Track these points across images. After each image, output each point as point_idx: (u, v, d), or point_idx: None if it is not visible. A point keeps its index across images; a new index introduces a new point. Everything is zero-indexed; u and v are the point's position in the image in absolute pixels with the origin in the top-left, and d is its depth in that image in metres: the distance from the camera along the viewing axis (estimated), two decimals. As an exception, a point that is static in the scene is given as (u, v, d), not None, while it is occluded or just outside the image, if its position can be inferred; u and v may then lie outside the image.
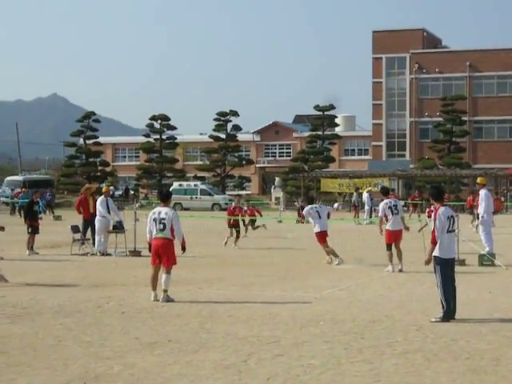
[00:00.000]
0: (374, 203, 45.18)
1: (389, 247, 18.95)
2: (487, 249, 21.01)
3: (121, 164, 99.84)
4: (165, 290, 14.04)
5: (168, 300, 13.98)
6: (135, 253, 23.10)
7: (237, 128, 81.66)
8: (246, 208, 30.83)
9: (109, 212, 23.86)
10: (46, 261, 21.86)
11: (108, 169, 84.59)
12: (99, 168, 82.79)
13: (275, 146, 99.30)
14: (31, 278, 17.85)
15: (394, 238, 18.99)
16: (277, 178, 76.15)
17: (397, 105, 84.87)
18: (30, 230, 24.21)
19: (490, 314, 12.92)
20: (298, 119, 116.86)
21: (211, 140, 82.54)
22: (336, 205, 54.59)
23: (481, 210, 21.68)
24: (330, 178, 66.60)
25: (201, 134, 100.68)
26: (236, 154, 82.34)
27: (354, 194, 52.35)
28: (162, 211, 14.27)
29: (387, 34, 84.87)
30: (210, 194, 65.32)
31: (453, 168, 68.34)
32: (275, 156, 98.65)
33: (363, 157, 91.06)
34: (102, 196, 24.19)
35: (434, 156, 73.98)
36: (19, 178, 72.66)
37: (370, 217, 43.85)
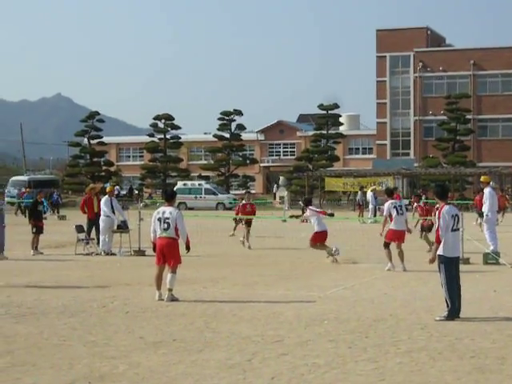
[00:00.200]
0: (378, 202, 45.18)
1: (387, 246, 18.90)
2: (492, 247, 20.98)
3: (125, 164, 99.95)
4: (170, 289, 14.06)
5: (173, 299, 14.00)
6: (140, 252, 23.12)
7: (241, 127, 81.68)
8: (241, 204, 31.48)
9: (113, 212, 23.87)
10: (51, 261, 21.88)
11: (112, 168, 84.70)
12: (103, 168, 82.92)
13: (279, 145, 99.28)
14: (36, 277, 17.86)
15: (395, 238, 18.96)
16: (281, 177, 76.18)
17: (401, 103, 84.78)
18: (34, 230, 24.22)
19: (494, 312, 12.90)
20: (303, 118, 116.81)
21: (215, 139, 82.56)
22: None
23: (485, 208, 21.65)
24: (334, 177, 66.59)
25: (205, 133, 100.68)
26: (240, 154, 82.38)
27: (359, 192, 52.31)
28: (167, 211, 14.27)
29: (391, 32, 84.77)
30: (214, 194, 65.32)
31: (457, 166, 68.29)
32: (279, 155, 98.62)
33: (367, 155, 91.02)
34: (107, 196, 24.21)
35: (439, 154, 73.91)
36: (24, 177, 72.81)
37: (375, 215, 43.83)
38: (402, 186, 69.24)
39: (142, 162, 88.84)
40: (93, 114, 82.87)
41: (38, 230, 24.28)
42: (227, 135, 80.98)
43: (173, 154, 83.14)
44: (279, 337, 10.91)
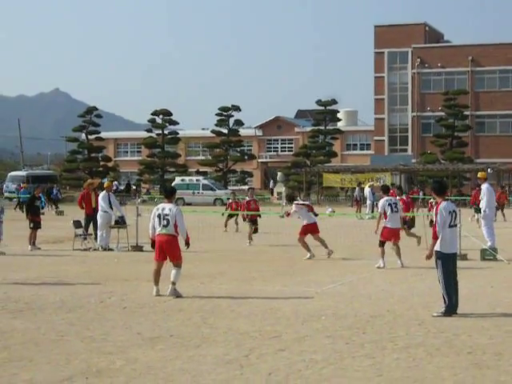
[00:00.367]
0: (375, 198, 45.16)
1: (382, 244, 18.77)
2: (489, 243, 20.99)
3: (123, 159, 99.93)
4: (173, 282, 14.02)
5: (176, 294, 13.93)
6: (137, 248, 23.10)
7: (239, 123, 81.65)
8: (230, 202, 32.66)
9: (111, 207, 23.86)
10: (48, 256, 21.87)
11: (110, 164, 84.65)
12: (101, 163, 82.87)
13: (277, 140, 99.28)
14: (33, 273, 17.85)
15: (391, 237, 18.86)
16: (279, 173, 76.14)
17: (399, 99, 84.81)
18: (31, 226, 24.19)
19: (492, 308, 12.91)
20: (301, 114, 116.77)
21: (213, 135, 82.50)
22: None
23: (483, 204, 21.65)
24: (332, 173, 66.60)
25: (203, 128, 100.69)
26: (238, 149, 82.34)
27: (356, 188, 52.31)
28: (166, 207, 14.24)
29: (389, 28, 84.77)
30: (212, 189, 65.30)
31: (455, 162, 68.31)
32: (277, 151, 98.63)
33: (365, 151, 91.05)
34: (104, 191, 24.19)
35: (436, 151, 73.95)
36: (22, 173, 72.82)
37: (372, 211, 43.84)
38: (400, 182, 69.19)
39: (140, 158, 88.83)
40: (91, 110, 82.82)
41: (36, 225, 24.25)
42: (225, 131, 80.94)
43: (171, 150, 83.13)
44: (277, 332, 10.92)
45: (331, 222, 34.69)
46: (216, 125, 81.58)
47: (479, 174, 23.05)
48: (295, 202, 21.91)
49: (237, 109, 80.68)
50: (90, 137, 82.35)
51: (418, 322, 11.68)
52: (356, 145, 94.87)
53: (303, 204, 21.88)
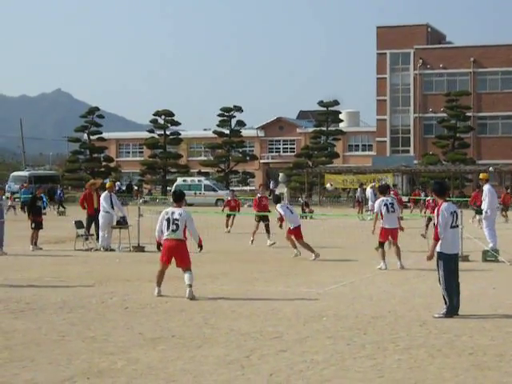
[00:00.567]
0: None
1: (381, 245, 18.66)
2: (491, 245, 20.96)
3: (125, 159, 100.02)
4: (190, 284, 13.91)
5: (193, 296, 13.88)
6: (139, 248, 23.11)
7: (241, 123, 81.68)
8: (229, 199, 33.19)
9: (112, 207, 23.86)
10: (50, 256, 21.88)
11: (112, 164, 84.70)
12: (103, 163, 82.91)
13: (279, 141, 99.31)
14: (35, 273, 17.86)
15: (388, 236, 18.78)
16: (281, 174, 76.16)
17: (401, 100, 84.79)
18: (33, 226, 24.22)
19: (493, 309, 12.90)
20: (302, 115, 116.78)
21: (215, 135, 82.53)
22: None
23: (484, 205, 21.63)
24: (334, 174, 66.59)
25: (205, 129, 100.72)
26: (240, 150, 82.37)
27: (358, 189, 52.27)
28: (176, 212, 14.16)
29: (391, 29, 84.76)
30: (214, 190, 65.31)
31: (457, 164, 68.30)
32: (279, 152, 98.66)
33: (367, 152, 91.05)
34: (106, 191, 24.19)
35: (438, 152, 73.92)
36: (25, 173, 72.86)
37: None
38: (402, 183, 69.24)
39: (142, 158, 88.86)
40: (92, 110, 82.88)
41: (37, 225, 24.27)
42: (227, 131, 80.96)
43: (172, 150, 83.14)
44: (278, 333, 10.92)
45: (333, 223, 34.70)
46: (218, 125, 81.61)
47: (481, 175, 23.05)
48: (278, 205, 21.90)
49: (239, 109, 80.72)
50: (91, 137, 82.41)
51: (420, 323, 11.67)
52: (358, 146, 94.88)
53: (280, 213, 21.86)
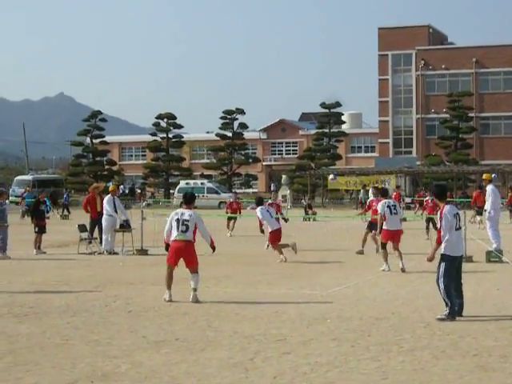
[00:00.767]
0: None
1: (384, 246, 18.61)
2: (494, 245, 20.93)
3: (127, 163, 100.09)
4: (195, 288, 13.88)
5: (196, 300, 13.84)
6: (142, 251, 23.13)
7: (243, 126, 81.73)
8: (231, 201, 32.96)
9: (116, 211, 23.87)
10: (53, 260, 21.90)
11: (115, 168, 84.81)
12: (106, 167, 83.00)
13: (282, 143, 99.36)
14: (38, 277, 17.87)
15: (390, 238, 18.67)
16: (283, 176, 76.19)
17: (403, 102, 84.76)
18: (36, 230, 24.24)
19: (497, 310, 12.89)
20: (305, 117, 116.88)
21: (218, 138, 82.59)
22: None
23: (488, 206, 21.61)
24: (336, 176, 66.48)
25: (207, 132, 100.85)
26: (243, 152, 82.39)
27: (361, 191, 52.28)
28: (186, 213, 14.13)
29: (393, 30, 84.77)
30: (216, 193, 65.33)
31: (460, 164, 68.26)
32: (282, 154, 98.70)
33: (370, 154, 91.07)
34: (109, 195, 24.21)
35: (441, 152, 73.89)
36: (29, 177, 72.99)
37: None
38: (405, 185, 69.20)
39: (145, 161, 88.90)
40: (95, 114, 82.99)
41: (41, 229, 24.30)
42: (229, 134, 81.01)
43: (175, 153, 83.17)
44: (282, 336, 10.91)
45: (336, 225, 34.68)
46: (220, 128, 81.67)
47: (484, 176, 23.04)
48: (259, 207, 21.96)
49: (241, 112, 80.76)
50: (94, 141, 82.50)
51: (424, 324, 11.65)
52: (360, 147, 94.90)
53: (259, 218, 21.91)
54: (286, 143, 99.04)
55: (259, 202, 23.03)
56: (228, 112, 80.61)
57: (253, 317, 12.41)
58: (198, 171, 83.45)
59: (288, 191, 64.30)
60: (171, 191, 75.66)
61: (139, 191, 78.17)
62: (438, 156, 73.47)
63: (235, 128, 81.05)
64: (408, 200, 57.09)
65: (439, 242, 12.21)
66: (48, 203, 39.16)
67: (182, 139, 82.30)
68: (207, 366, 9.18)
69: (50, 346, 10.38)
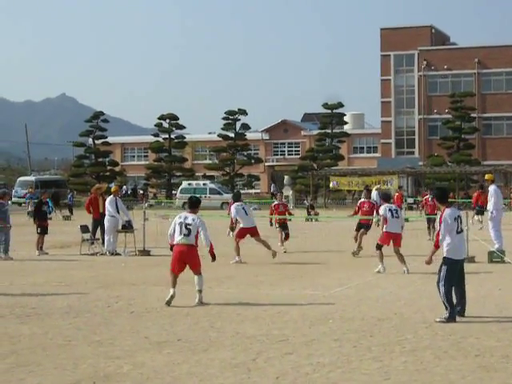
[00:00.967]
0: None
1: (379, 247, 18.43)
2: (497, 246, 20.91)
3: (130, 164, 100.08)
4: (200, 290, 13.87)
5: (202, 302, 13.77)
6: (144, 252, 23.13)
7: (245, 127, 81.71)
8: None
9: (118, 212, 23.88)
10: (56, 261, 21.91)
11: (117, 168, 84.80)
12: (108, 168, 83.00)
13: (284, 144, 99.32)
14: (40, 278, 17.88)
15: (389, 241, 18.51)
16: (286, 177, 76.18)
17: (405, 102, 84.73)
18: (38, 231, 24.26)
19: (499, 311, 12.88)
20: (307, 117, 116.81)
21: (220, 139, 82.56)
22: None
23: (490, 206, 21.59)
24: (339, 176, 66.56)
25: (209, 132, 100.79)
26: (245, 153, 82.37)
27: (364, 191, 52.21)
28: (189, 217, 14.09)
29: (395, 31, 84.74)
30: (219, 193, 65.30)
31: (462, 165, 68.22)
32: (284, 154, 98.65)
33: (372, 154, 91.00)
34: (111, 195, 24.22)
35: (443, 153, 73.84)
36: (31, 178, 73.04)
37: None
38: (407, 185, 69.17)
39: (147, 162, 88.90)
40: (97, 114, 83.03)
41: (43, 230, 24.31)
42: (232, 135, 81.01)
43: (177, 154, 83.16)
44: (284, 336, 10.91)
45: (338, 225, 34.68)
46: (223, 129, 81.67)
47: (487, 176, 23.04)
48: (236, 203, 21.94)
49: (243, 113, 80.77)
50: (96, 142, 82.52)
51: (426, 324, 11.65)
52: (363, 148, 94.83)
53: (231, 216, 21.93)
54: (289, 144, 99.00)
55: (236, 197, 22.83)
56: (230, 113, 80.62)
57: (255, 317, 12.41)
58: (200, 172, 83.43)
59: (290, 192, 64.24)
60: (173, 192, 75.64)
61: (141, 192, 78.16)
62: (440, 156, 73.43)
63: (237, 129, 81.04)
64: (410, 200, 57.08)
65: (437, 246, 12.17)
66: (50, 204, 39.21)
67: (185, 140, 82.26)
68: (209, 367, 9.19)
69: (53, 346, 10.39)
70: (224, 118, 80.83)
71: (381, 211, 19.04)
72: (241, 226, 21.49)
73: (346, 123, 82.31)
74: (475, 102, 77.63)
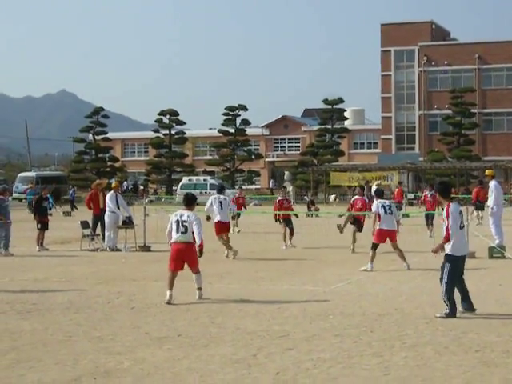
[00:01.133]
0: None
1: (375, 247, 18.13)
2: (497, 241, 20.92)
3: (130, 159, 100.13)
4: (199, 288, 13.89)
5: (202, 298, 13.79)
6: (145, 248, 23.13)
7: (246, 122, 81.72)
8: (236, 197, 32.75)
9: (118, 207, 23.87)
10: (56, 257, 21.91)
11: (117, 164, 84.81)
12: (108, 163, 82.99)
13: (284, 139, 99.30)
14: (41, 273, 17.89)
15: (384, 238, 18.24)
16: (286, 172, 76.17)
17: (406, 98, 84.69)
18: (39, 227, 24.26)
19: (500, 306, 12.89)
20: (307, 113, 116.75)
21: (220, 134, 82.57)
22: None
23: (490, 201, 21.59)
24: (339, 172, 66.57)
25: (210, 128, 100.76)
26: (245, 149, 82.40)
27: (365, 187, 52.18)
28: (185, 214, 14.06)
29: (395, 26, 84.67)
30: (219, 189, 65.23)
31: (462, 161, 68.21)
32: (284, 150, 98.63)
33: (372, 150, 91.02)
34: (112, 191, 24.20)
35: (444, 149, 73.84)
36: (32, 174, 73.05)
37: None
38: (407, 181, 69.16)
39: (147, 158, 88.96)
40: (97, 110, 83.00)
41: (43, 226, 24.31)
42: (232, 130, 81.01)
43: (178, 150, 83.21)
44: (284, 332, 10.91)
45: (338, 221, 34.67)
46: (223, 124, 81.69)
47: (487, 172, 23.05)
48: (215, 195, 21.96)
49: (243, 108, 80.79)
50: (97, 137, 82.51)
51: (426, 320, 11.65)
52: (363, 143, 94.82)
53: (208, 205, 21.92)
54: (289, 139, 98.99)
55: (219, 189, 22.96)
56: (230, 108, 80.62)
57: (255, 313, 12.41)
58: (200, 168, 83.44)
59: (291, 187, 64.22)
60: (174, 188, 75.64)
61: (142, 188, 78.17)
62: (440, 152, 73.42)
63: (238, 124, 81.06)
64: (411, 196, 57.07)
65: (447, 239, 12.04)
66: (50, 200, 39.21)
67: (185, 136, 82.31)
68: (210, 362, 9.19)
69: (53, 342, 10.40)
70: (224, 114, 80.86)
71: (373, 208, 18.73)
72: (217, 219, 21.43)
73: (346, 119, 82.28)
74: (475, 98, 77.60)
